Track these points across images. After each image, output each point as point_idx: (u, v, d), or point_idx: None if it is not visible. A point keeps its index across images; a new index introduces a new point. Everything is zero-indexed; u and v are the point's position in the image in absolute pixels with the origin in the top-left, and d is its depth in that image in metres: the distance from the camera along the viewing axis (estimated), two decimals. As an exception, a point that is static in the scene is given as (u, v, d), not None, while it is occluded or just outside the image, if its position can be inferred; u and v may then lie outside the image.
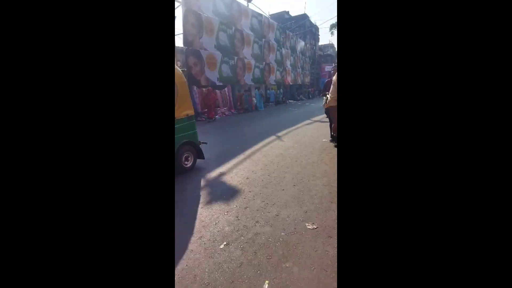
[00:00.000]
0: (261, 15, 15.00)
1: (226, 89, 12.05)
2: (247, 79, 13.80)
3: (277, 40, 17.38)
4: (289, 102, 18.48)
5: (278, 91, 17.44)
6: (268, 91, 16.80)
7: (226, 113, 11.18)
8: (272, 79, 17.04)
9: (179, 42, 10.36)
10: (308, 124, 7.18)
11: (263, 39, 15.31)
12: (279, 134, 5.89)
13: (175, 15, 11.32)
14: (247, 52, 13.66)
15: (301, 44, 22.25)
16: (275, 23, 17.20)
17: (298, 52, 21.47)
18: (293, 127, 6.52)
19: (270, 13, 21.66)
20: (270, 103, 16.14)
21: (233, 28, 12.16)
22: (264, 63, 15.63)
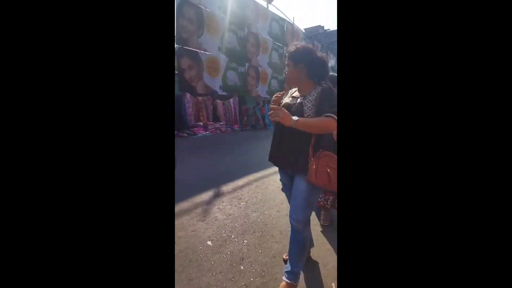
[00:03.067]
0: (283, 19, 13.05)
1: (231, 100, 9.95)
2: (261, 90, 11.64)
3: (303, 50, 15.11)
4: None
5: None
6: (286, 106, 14.37)
7: (222, 129, 8.92)
8: (294, 93, 14.66)
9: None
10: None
11: (285, 48, 13.18)
12: (228, 186, 3.26)
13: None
14: (262, 60, 11.54)
15: (333, 60, 19.66)
16: (301, 31, 14.99)
17: (329, 68, 18.81)
18: (266, 171, 3.85)
19: (305, 28, 19.76)
20: (289, 121, 13.66)
21: (246, 30, 10.23)
22: (284, 74, 13.36)
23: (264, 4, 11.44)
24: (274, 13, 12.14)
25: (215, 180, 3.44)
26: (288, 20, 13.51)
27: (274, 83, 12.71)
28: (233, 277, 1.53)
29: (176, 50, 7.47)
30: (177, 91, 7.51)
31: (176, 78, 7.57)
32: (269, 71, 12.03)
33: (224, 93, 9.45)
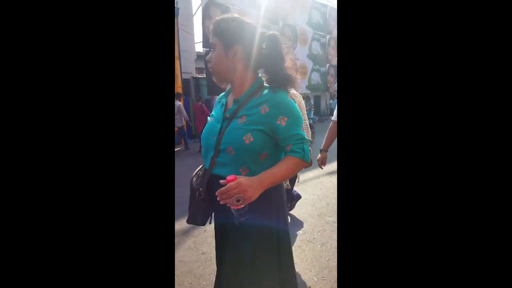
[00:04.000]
0: (325, 5, 12.04)
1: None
2: (300, 85, 10.84)
3: (349, 39, 14.12)
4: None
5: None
6: (332, 101, 13.28)
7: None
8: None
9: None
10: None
11: (328, 36, 12.23)
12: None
13: (194, 10, 9.06)
14: (301, 52, 10.65)
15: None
16: (345, 16, 14.10)
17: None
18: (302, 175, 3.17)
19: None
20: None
21: (281, 23, 9.43)
22: (327, 65, 12.51)
23: (302, -9, 10.36)
24: (314, 0, 11.18)
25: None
26: (332, 5, 12.39)
27: (316, 76, 11.98)
28: None
29: (204, 53, 7.04)
30: (206, 95, 7.15)
31: (204, 82, 7.23)
32: (309, 64, 11.19)
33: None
